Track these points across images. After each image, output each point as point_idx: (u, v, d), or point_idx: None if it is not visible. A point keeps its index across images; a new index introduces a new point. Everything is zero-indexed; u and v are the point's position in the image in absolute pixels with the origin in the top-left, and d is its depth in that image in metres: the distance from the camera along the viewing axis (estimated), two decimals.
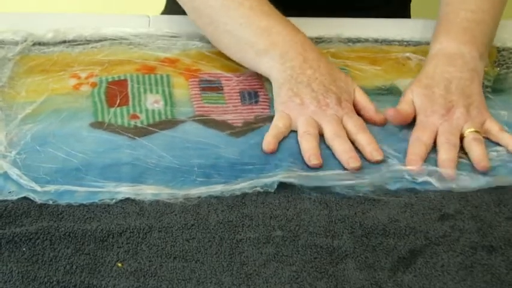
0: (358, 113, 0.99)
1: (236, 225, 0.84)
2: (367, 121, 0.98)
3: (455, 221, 0.86)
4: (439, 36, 1.04)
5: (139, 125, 0.96)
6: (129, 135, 0.94)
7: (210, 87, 1.02)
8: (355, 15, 1.16)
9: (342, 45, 1.11)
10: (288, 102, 0.97)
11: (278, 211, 0.86)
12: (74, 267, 0.79)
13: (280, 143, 0.94)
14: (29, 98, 0.99)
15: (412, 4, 1.35)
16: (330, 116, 0.96)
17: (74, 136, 0.94)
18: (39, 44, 1.07)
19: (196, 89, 1.02)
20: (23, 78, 1.02)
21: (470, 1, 1.05)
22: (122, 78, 1.03)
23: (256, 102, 1.01)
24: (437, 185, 0.89)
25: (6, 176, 0.88)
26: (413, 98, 0.98)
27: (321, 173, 0.90)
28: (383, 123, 0.98)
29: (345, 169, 0.91)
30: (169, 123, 0.97)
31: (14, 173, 0.88)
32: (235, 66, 1.05)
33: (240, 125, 0.97)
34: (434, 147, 0.94)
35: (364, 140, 0.94)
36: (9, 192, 0.86)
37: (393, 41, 1.12)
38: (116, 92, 1.00)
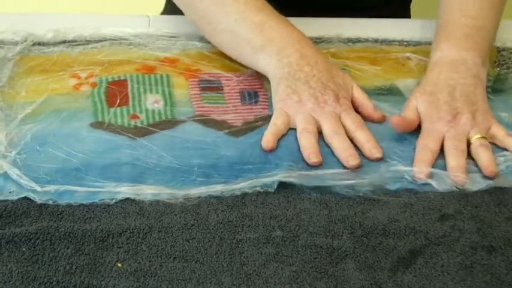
0: (356, 110, 0.98)
1: (236, 225, 0.84)
2: (366, 118, 0.98)
3: (455, 221, 0.86)
4: (440, 44, 1.03)
5: (139, 125, 0.96)
6: (129, 135, 0.94)
7: (210, 87, 1.02)
8: (355, 15, 1.16)
9: (342, 45, 1.11)
10: (286, 100, 0.97)
11: (278, 211, 0.86)
12: (74, 267, 0.79)
13: (279, 141, 0.94)
14: (28, 98, 0.99)
15: (412, 4, 1.35)
16: (328, 113, 0.96)
17: (74, 136, 0.94)
18: (39, 44, 1.07)
19: (196, 89, 1.02)
20: (23, 78, 1.02)
21: (470, 8, 1.05)
22: (122, 78, 1.02)
23: (256, 102, 1.01)
24: (437, 187, 0.89)
25: (6, 176, 0.88)
26: (418, 105, 0.98)
27: (320, 172, 0.90)
28: (381, 121, 0.98)
29: (344, 167, 0.91)
30: (169, 123, 0.97)
31: (14, 173, 0.88)
32: (235, 66, 1.05)
33: (239, 124, 0.97)
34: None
35: (363, 137, 0.94)
36: (9, 192, 0.86)
37: (393, 41, 1.12)
38: (115, 92, 1.00)
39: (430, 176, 0.90)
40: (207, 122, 0.97)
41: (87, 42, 1.08)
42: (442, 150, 0.94)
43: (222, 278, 0.79)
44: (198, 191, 0.87)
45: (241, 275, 0.79)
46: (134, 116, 0.97)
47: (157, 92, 1.01)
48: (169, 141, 0.94)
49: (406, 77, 1.06)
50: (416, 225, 0.85)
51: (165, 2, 1.35)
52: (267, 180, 0.88)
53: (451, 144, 0.93)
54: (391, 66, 1.08)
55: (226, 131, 0.96)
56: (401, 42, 1.12)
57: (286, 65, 0.98)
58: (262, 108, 1.00)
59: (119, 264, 0.80)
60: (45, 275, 0.78)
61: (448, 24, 1.05)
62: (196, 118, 0.97)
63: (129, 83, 1.02)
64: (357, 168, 0.91)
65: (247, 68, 1.04)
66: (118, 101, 0.99)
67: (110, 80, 1.02)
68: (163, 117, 0.97)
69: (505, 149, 0.95)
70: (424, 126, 0.96)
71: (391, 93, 1.03)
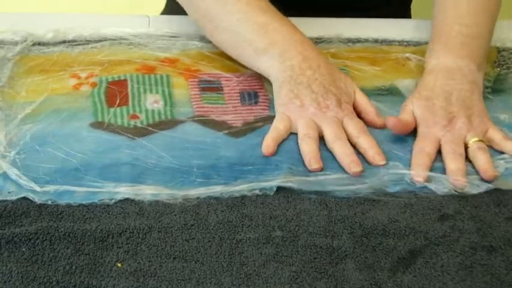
0: (359, 115, 0.98)
1: (236, 225, 0.84)
2: (368, 124, 0.97)
3: (454, 221, 0.86)
4: (435, 51, 1.03)
5: (139, 125, 0.96)
6: (129, 135, 0.94)
7: (210, 87, 1.02)
8: (355, 15, 1.16)
9: (341, 46, 1.10)
10: (288, 104, 0.97)
11: (278, 211, 0.86)
12: (74, 267, 0.79)
13: (280, 145, 0.94)
14: (28, 98, 0.99)
15: (412, 4, 1.35)
16: (330, 118, 0.95)
17: (73, 136, 0.93)
18: (39, 44, 1.07)
19: (196, 89, 1.02)
20: (23, 78, 1.02)
21: (464, 16, 1.04)
22: (122, 78, 1.02)
23: (256, 103, 1.01)
24: (435, 190, 0.89)
25: (5, 176, 0.88)
26: (414, 109, 0.98)
27: (320, 177, 0.90)
28: (384, 127, 0.97)
29: (344, 172, 0.91)
30: (169, 123, 0.97)
31: (13, 173, 0.88)
32: (235, 67, 1.05)
33: (239, 125, 0.97)
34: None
35: (366, 143, 0.93)
36: (9, 192, 0.86)
37: (393, 41, 1.12)
38: (115, 92, 1.00)
39: (428, 179, 0.90)
40: (206, 122, 0.97)
41: (87, 42, 1.08)
42: (439, 154, 0.94)
43: (222, 278, 0.79)
44: (197, 191, 0.87)
45: (241, 275, 0.79)
46: (134, 116, 0.97)
47: (157, 92, 1.01)
48: (168, 142, 0.94)
49: (405, 77, 1.06)
50: (416, 226, 0.85)
51: (165, 2, 1.35)
52: (266, 184, 0.88)
53: (448, 148, 0.93)
54: (391, 67, 1.08)
55: (226, 131, 0.96)
56: (401, 43, 1.12)
57: (289, 68, 0.98)
58: (262, 109, 1.00)
59: (119, 264, 0.80)
60: (45, 275, 0.78)
61: (443, 32, 1.04)
62: (196, 118, 0.97)
63: (129, 83, 1.02)
64: (359, 174, 0.91)
65: (247, 68, 1.04)
66: (118, 101, 0.99)
67: (109, 80, 1.02)
68: (163, 118, 0.97)
69: (503, 152, 0.95)
70: (420, 130, 0.96)
71: (390, 93, 1.03)
